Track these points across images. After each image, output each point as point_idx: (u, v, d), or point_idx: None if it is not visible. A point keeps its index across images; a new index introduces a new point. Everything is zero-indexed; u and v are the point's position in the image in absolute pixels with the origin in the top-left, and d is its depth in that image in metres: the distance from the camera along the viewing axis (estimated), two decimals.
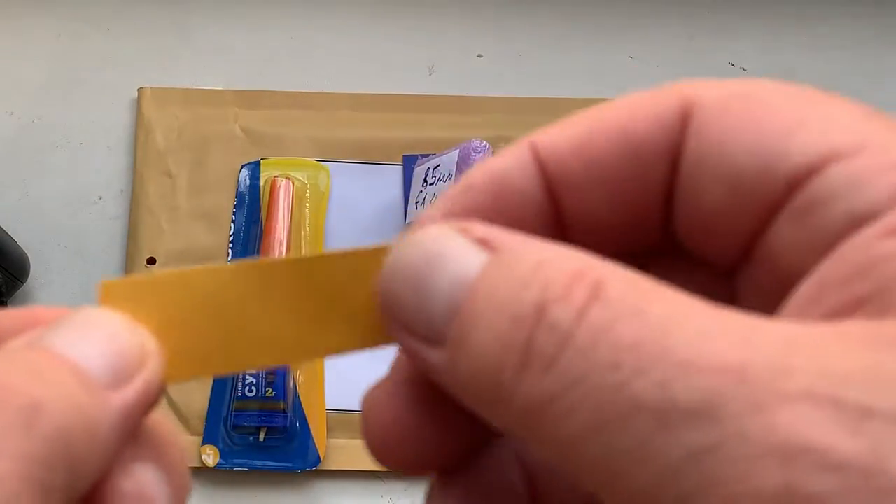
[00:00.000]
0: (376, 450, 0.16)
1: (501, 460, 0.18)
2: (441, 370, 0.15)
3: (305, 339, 0.16)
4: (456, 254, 0.15)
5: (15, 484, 0.13)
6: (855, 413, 0.11)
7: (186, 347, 0.16)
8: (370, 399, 0.17)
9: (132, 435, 0.15)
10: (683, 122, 0.15)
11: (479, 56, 0.61)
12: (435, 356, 0.15)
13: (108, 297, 0.16)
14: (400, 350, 0.16)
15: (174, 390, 0.55)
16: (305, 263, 0.16)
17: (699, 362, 0.12)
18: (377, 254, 0.16)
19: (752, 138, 0.14)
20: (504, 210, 0.16)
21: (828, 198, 0.13)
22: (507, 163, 0.17)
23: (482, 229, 0.15)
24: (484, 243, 0.15)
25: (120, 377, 0.15)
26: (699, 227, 0.16)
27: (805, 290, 0.14)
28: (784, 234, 0.14)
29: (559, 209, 0.16)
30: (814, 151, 0.14)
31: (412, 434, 0.16)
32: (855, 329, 0.12)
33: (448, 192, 0.17)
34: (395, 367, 0.17)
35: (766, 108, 0.15)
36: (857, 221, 0.13)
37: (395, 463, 0.17)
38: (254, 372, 0.53)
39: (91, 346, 0.15)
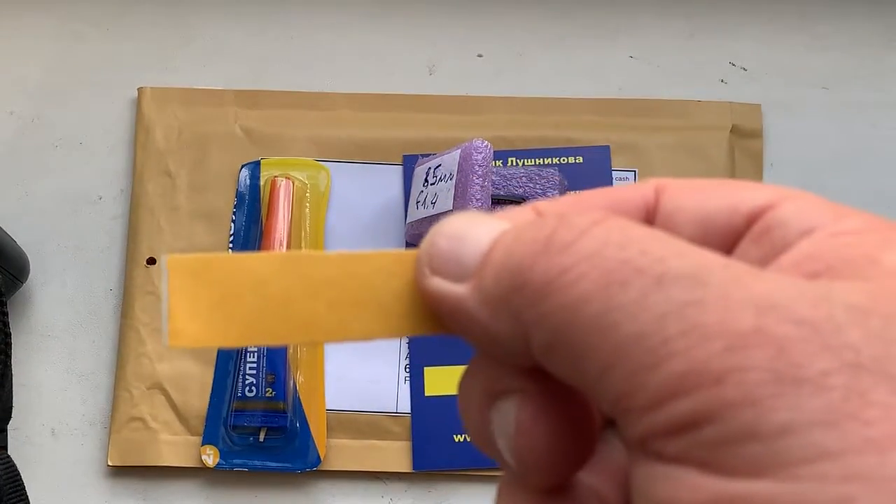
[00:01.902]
0: (530, 468, 0.18)
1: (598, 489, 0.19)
2: (463, 297, 0.17)
3: (338, 323, 0.19)
4: (491, 221, 0.18)
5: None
6: (816, 294, 0.14)
7: (237, 319, 0.18)
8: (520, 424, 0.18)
9: None
10: (657, 194, 0.19)
11: (479, 56, 0.61)
12: (459, 289, 0.17)
13: (176, 269, 0.18)
14: (426, 295, 0.18)
15: (174, 390, 0.55)
16: (346, 258, 0.19)
17: (691, 250, 0.15)
18: (409, 257, 0.19)
19: (715, 190, 0.18)
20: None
21: (782, 222, 0.17)
22: (632, 188, 0.20)
23: (537, 205, 0.18)
24: (536, 211, 0.18)
25: None
26: None
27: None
28: (746, 253, 0.17)
29: None
30: (767, 196, 0.18)
31: (558, 451, 0.18)
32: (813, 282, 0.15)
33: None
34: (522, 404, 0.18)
35: (724, 180, 0.19)
36: (807, 232, 0.17)
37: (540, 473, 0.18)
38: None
39: None
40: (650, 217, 0.19)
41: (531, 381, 0.17)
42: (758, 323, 0.14)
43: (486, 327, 0.17)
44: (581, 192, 0.20)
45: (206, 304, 0.18)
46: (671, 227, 0.18)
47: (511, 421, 0.17)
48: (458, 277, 0.17)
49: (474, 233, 0.18)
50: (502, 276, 0.16)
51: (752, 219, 0.18)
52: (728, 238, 0.18)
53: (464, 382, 0.18)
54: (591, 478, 0.18)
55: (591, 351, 0.15)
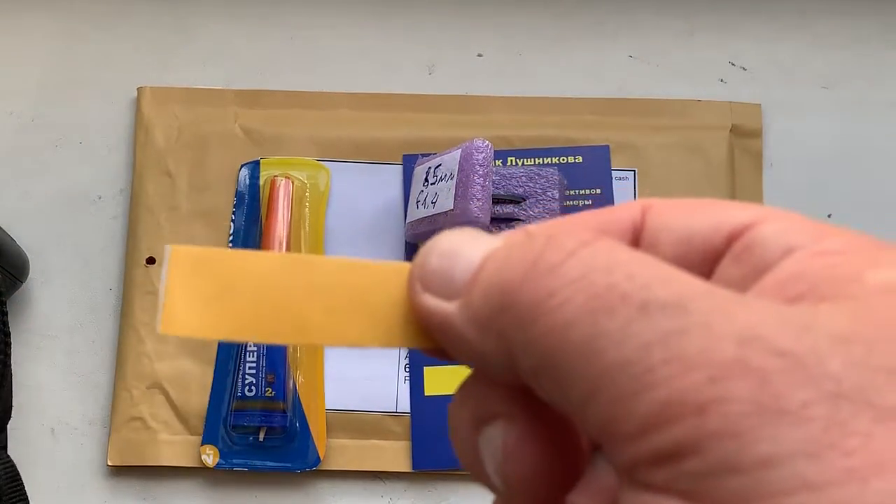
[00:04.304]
0: (516, 485, 0.18)
1: None
2: (451, 316, 0.17)
3: (333, 327, 0.19)
4: (484, 239, 0.18)
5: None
6: (798, 325, 0.14)
7: (232, 314, 0.19)
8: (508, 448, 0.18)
9: None
10: (643, 213, 0.19)
11: (479, 56, 0.61)
12: (448, 306, 0.17)
13: (177, 260, 0.19)
14: (417, 311, 0.18)
15: (174, 390, 0.55)
16: (346, 265, 0.19)
17: (677, 276, 0.15)
18: (404, 269, 0.19)
19: (699, 210, 0.19)
20: None
21: (762, 241, 0.17)
22: (619, 208, 0.20)
23: (529, 228, 0.18)
24: (527, 234, 0.18)
25: None
26: None
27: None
28: (727, 272, 0.18)
29: None
30: (748, 215, 0.18)
31: (545, 469, 0.18)
32: (795, 307, 0.15)
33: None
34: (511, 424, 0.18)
35: (709, 200, 0.19)
36: (787, 252, 0.17)
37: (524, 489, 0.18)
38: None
39: None
40: (637, 236, 0.19)
41: (518, 404, 0.17)
42: (740, 354, 0.14)
43: (474, 346, 0.17)
44: (573, 213, 0.20)
45: (203, 296, 0.19)
46: (655, 247, 0.19)
47: (498, 445, 0.17)
48: (448, 295, 0.18)
49: (466, 251, 0.18)
50: (490, 296, 0.17)
51: (732, 237, 0.18)
52: (709, 257, 0.18)
53: (453, 408, 0.19)
54: (579, 499, 0.18)
55: (576, 376, 0.15)
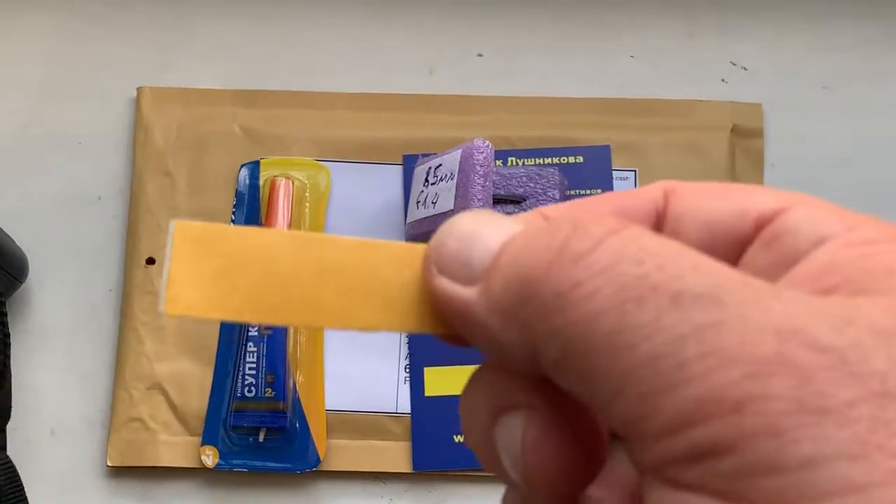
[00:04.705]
0: (537, 481, 0.17)
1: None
2: (469, 302, 0.17)
3: (343, 309, 0.18)
4: (502, 223, 0.17)
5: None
6: (839, 319, 0.14)
7: (238, 292, 0.18)
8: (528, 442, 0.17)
9: None
10: (666, 197, 0.19)
11: (479, 56, 0.61)
12: (466, 292, 0.17)
13: (182, 235, 0.18)
14: (433, 295, 0.18)
15: (173, 390, 0.55)
16: (357, 245, 0.19)
17: (709, 266, 0.15)
18: (421, 250, 0.18)
19: (723, 194, 0.18)
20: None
21: (792, 229, 0.17)
22: (641, 191, 0.20)
23: (545, 210, 0.18)
24: (544, 217, 0.17)
25: None
26: None
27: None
28: (755, 260, 0.17)
29: None
30: (777, 200, 0.17)
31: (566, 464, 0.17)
32: (833, 299, 0.15)
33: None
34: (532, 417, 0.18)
35: (733, 184, 0.19)
36: (819, 241, 0.16)
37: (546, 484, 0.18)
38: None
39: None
40: (660, 221, 0.18)
41: (538, 395, 0.17)
42: (780, 349, 0.13)
43: (493, 334, 0.16)
44: (590, 196, 0.19)
45: (209, 273, 0.18)
46: (679, 232, 0.18)
47: (517, 438, 0.17)
48: (465, 280, 0.17)
49: (484, 234, 0.17)
50: (511, 284, 0.16)
51: (760, 224, 0.17)
52: (736, 243, 0.17)
53: (466, 395, 0.18)
54: (597, 491, 0.18)
55: (603, 370, 0.14)
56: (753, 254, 0.17)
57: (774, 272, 0.16)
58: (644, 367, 0.14)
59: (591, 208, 0.19)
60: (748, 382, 0.13)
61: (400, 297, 0.18)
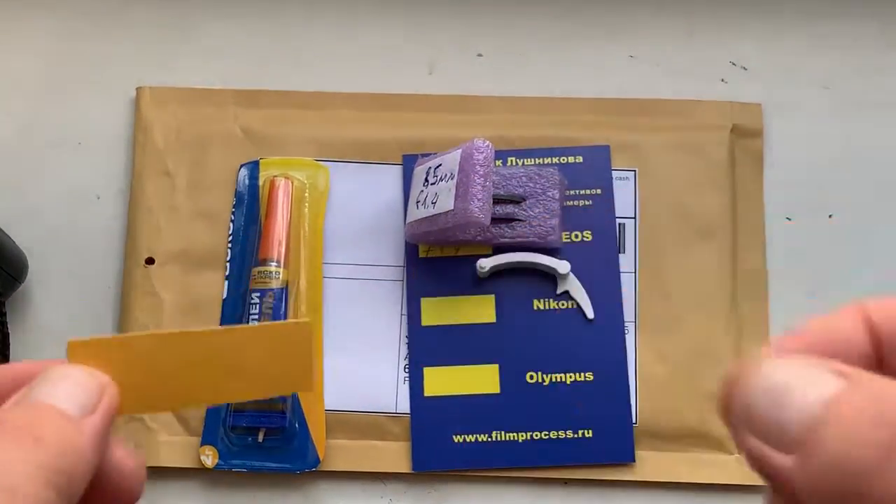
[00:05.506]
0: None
1: None
2: (788, 473, 0.16)
3: (218, 387, 0.22)
4: (815, 379, 0.17)
5: (37, 485, 0.19)
6: None
7: (134, 389, 0.22)
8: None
9: (105, 444, 0.22)
10: (864, 321, 0.18)
11: (479, 55, 0.61)
12: (783, 460, 0.16)
13: (75, 351, 0.23)
14: (746, 454, 0.17)
15: None
16: (218, 334, 0.22)
17: None
18: (268, 330, 0.22)
19: None
20: (832, 355, 0.19)
21: None
22: (839, 318, 0.19)
23: (836, 363, 0.17)
24: (839, 373, 0.17)
25: (87, 409, 0.22)
26: None
27: None
28: None
29: (881, 363, 0.19)
30: None
31: None
32: None
33: (782, 336, 0.20)
34: None
35: None
36: None
37: None
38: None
39: (64, 392, 0.23)
40: (875, 349, 0.18)
41: None
42: None
43: None
44: (805, 333, 0.19)
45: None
46: None
47: None
48: (779, 445, 0.16)
49: (799, 398, 0.16)
50: (833, 475, 0.15)
51: None
52: None
53: None
54: None
55: None
56: None
57: None
58: None
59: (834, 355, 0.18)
60: None
61: (260, 370, 0.22)
